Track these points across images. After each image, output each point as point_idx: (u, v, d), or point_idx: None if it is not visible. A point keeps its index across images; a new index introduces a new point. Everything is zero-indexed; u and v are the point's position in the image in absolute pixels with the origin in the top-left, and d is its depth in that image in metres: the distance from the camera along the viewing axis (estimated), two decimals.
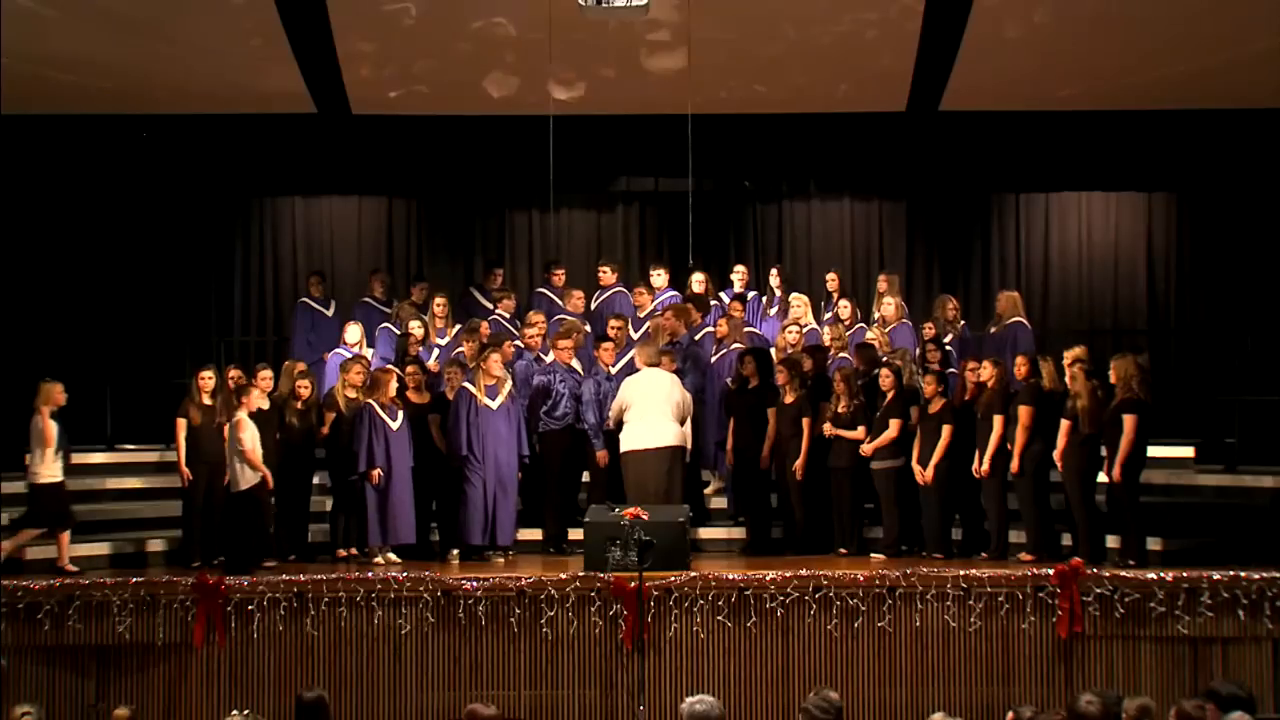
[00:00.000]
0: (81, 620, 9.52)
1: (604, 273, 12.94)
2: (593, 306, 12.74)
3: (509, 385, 10.89)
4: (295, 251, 14.47)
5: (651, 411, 10.81)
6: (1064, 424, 10.07)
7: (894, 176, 14.27)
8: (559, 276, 13.00)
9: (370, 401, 10.66)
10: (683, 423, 10.99)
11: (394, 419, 10.66)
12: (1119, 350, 10.72)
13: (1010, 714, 6.97)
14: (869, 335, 11.84)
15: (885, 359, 11.29)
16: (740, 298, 12.72)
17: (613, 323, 11.86)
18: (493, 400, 10.72)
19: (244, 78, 12.32)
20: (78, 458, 11.74)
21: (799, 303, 12.35)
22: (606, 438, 11.20)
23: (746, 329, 12.28)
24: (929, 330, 11.86)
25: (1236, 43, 11.70)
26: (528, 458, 11.02)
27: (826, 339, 11.82)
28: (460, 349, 11.58)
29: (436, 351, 11.98)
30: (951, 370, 11.28)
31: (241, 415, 10.32)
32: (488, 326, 11.95)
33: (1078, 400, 10.05)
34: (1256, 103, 12.61)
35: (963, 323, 12.32)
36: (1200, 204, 14.07)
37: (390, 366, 11.23)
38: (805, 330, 12.04)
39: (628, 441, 10.87)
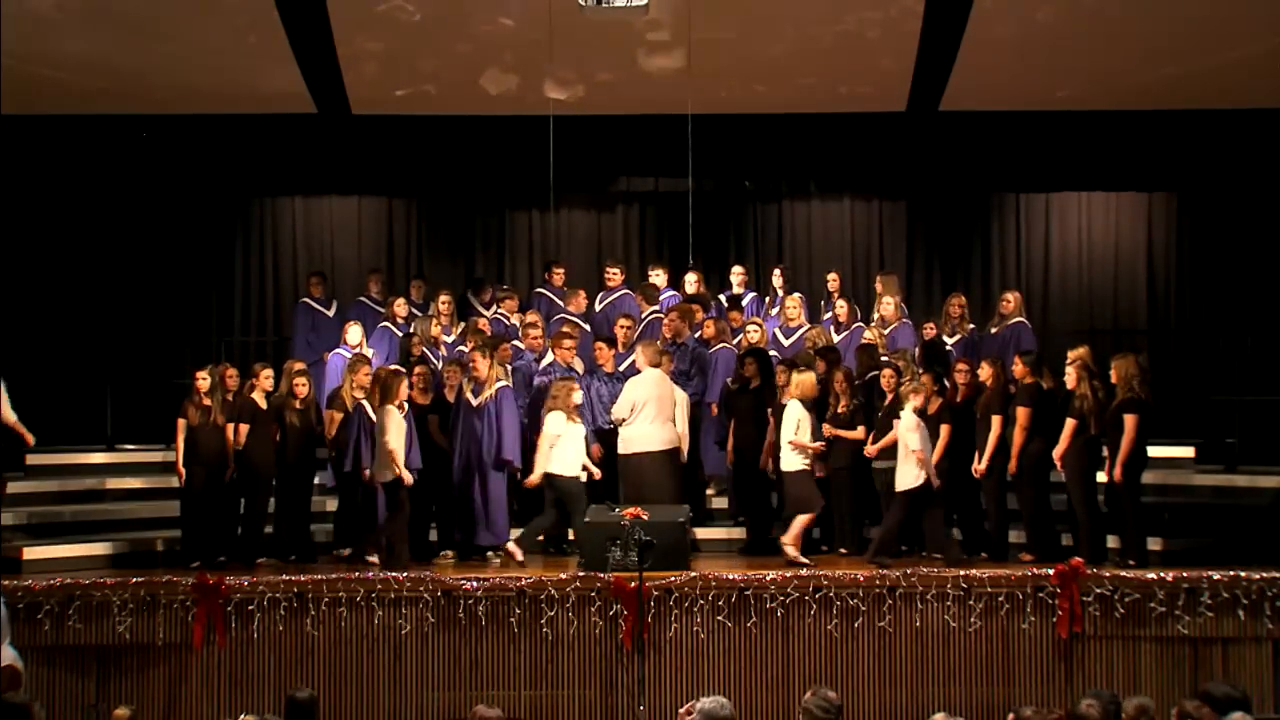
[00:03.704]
0: (81, 620, 9.53)
1: (611, 274, 12.87)
2: (598, 307, 12.72)
3: (498, 384, 10.78)
4: (295, 251, 14.49)
5: (659, 414, 10.77)
6: (1069, 424, 10.04)
7: (894, 176, 14.25)
8: (559, 276, 12.97)
9: (363, 402, 10.63)
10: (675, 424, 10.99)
11: None
12: (1119, 350, 10.70)
13: (1010, 715, 6.96)
14: (867, 335, 11.83)
15: (885, 359, 11.28)
16: (736, 299, 12.70)
17: (621, 322, 11.84)
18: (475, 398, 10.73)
19: (244, 78, 12.32)
20: (78, 458, 11.77)
21: (792, 304, 12.33)
22: (601, 435, 11.19)
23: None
24: (929, 330, 11.84)
25: (1236, 43, 11.71)
26: (513, 462, 10.87)
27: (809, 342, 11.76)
28: (461, 348, 11.56)
29: (444, 350, 11.97)
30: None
31: (390, 408, 10.27)
32: (486, 324, 11.94)
33: (1084, 402, 10.03)
34: (1256, 103, 12.63)
35: (971, 326, 12.28)
36: (1200, 204, 14.07)
37: (398, 369, 11.18)
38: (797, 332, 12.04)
39: (634, 443, 10.79)
